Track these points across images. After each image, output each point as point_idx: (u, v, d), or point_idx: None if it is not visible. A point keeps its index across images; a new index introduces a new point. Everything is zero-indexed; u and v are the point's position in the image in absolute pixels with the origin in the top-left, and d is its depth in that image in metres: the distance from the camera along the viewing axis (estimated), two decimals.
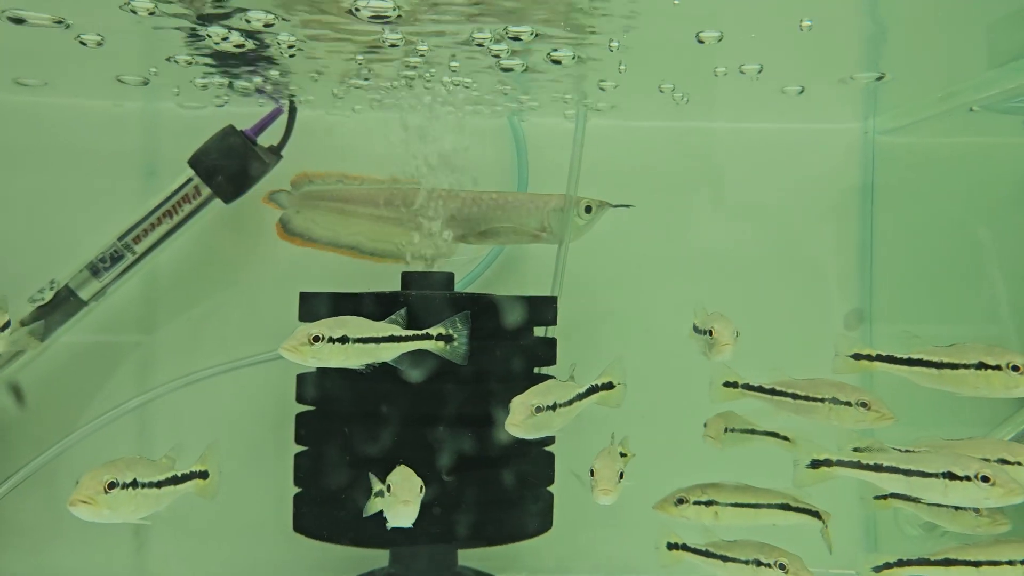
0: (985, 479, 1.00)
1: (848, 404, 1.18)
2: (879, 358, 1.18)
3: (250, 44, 1.28)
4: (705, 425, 1.33)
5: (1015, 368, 1.09)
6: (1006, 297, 1.72)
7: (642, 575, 1.67)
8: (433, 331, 1.19)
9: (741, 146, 1.79)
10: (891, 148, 1.75)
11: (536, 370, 1.49)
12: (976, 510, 1.22)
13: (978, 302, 1.76)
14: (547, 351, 1.49)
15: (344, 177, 1.63)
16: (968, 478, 1.01)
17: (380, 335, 1.16)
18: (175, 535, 1.67)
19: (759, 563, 1.11)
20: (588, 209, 1.58)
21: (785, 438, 1.30)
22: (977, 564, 1.05)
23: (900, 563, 1.11)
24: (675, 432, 1.45)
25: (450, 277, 1.50)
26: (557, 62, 1.36)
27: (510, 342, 1.41)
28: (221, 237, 1.73)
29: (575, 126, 1.66)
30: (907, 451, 1.13)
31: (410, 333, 1.18)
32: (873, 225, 1.77)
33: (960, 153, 1.74)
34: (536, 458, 1.46)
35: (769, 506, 1.23)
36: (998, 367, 1.09)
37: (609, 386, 1.21)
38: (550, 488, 1.49)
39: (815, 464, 1.13)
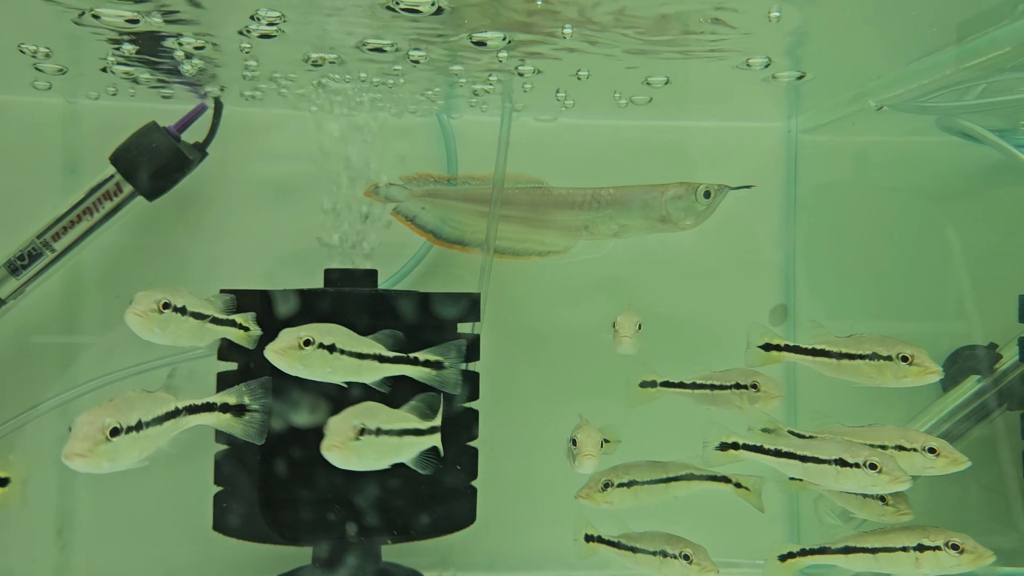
0: (873, 467, 1.04)
1: (745, 387, 1.22)
2: (786, 348, 1.22)
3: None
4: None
5: (904, 359, 1.13)
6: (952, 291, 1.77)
7: (571, 571, 1.68)
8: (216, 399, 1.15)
9: (669, 144, 1.82)
10: (813, 146, 1.78)
11: (465, 365, 1.50)
12: (882, 499, 1.25)
13: (904, 296, 1.80)
14: (471, 347, 1.49)
15: (471, 178, 1.65)
16: (858, 465, 1.05)
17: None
18: (98, 534, 1.66)
19: (665, 554, 1.13)
20: (707, 194, 1.54)
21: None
22: (874, 551, 1.09)
23: (803, 552, 1.14)
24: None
25: (373, 274, 1.50)
26: (482, 44, 1.35)
27: (431, 338, 1.41)
28: (170, 236, 1.71)
29: (501, 122, 1.67)
30: (810, 437, 1.16)
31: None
32: (796, 221, 1.81)
33: (877, 151, 1.78)
34: (460, 453, 1.47)
35: (677, 478, 1.26)
36: (889, 357, 1.13)
37: (438, 365, 1.21)
38: (473, 483, 1.50)
39: (723, 446, 1.17)
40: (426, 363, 1.23)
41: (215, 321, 1.20)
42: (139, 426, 1.02)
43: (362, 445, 1.07)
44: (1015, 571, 1.54)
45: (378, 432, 1.09)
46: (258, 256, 1.72)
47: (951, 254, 1.77)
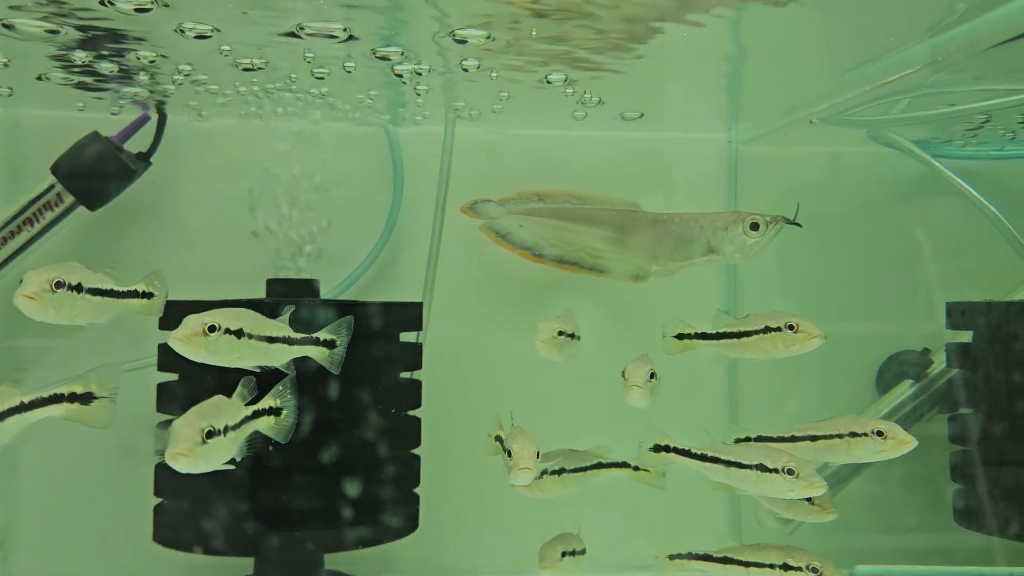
0: (790, 472, 1.08)
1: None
2: (696, 336, 1.26)
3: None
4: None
5: (791, 327, 1.18)
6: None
7: (515, 575, 1.71)
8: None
9: (614, 154, 1.84)
10: (752, 157, 1.83)
11: (409, 374, 1.52)
12: (809, 499, 1.29)
13: (843, 303, 1.85)
14: (413, 356, 1.51)
15: (571, 196, 1.65)
16: (777, 471, 1.09)
17: None
18: (40, 544, 1.65)
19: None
20: (754, 226, 1.43)
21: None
22: (747, 564, 1.15)
23: (690, 555, 1.19)
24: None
25: (314, 284, 1.51)
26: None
27: (372, 347, 1.42)
28: (115, 246, 1.70)
29: (444, 133, 1.69)
30: (790, 438, 1.20)
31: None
32: None
33: (814, 161, 1.83)
34: (401, 460, 1.48)
35: (590, 467, 1.30)
36: (779, 328, 1.18)
37: (332, 344, 1.21)
38: (416, 490, 1.52)
39: (657, 448, 1.20)
40: (325, 343, 1.22)
41: (115, 294, 1.14)
42: None
43: (210, 448, 1.02)
44: (928, 570, 1.59)
45: (225, 430, 1.05)
46: (205, 265, 1.72)
47: (889, 260, 1.83)
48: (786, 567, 1.14)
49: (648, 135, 1.84)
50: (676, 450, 1.18)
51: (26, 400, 1.06)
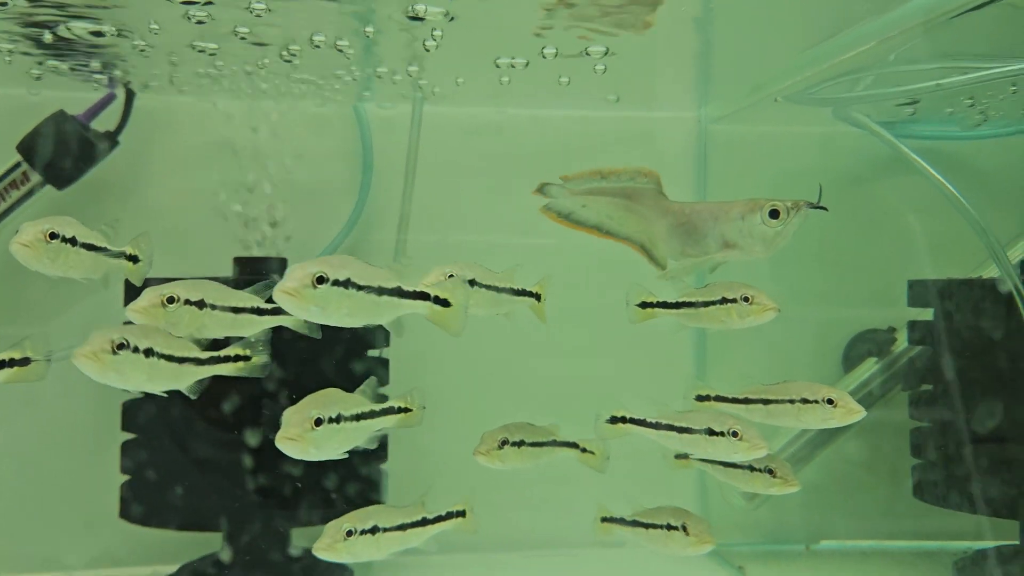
0: (735, 435, 1.12)
1: None
2: (658, 304, 1.27)
3: None
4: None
5: (745, 299, 1.19)
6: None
7: (486, 552, 1.72)
8: None
9: (589, 133, 1.85)
10: (720, 135, 1.84)
11: (377, 352, 1.53)
12: (771, 472, 1.31)
13: (810, 281, 1.86)
14: (379, 334, 1.52)
15: (638, 174, 1.57)
16: (723, 434, 1.12)
17: None
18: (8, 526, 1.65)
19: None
20: (774, 214, 1.29)
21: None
22: (647, 526, 1.23)
23: (614, 519, 1.26)
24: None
25: (282, 262, 1.52)
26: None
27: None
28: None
29: (412, 112, 1.69)
30: (704, 398, 1.23)
31: None
32: None
33: (783, 141, 1.84)
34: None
35: (545, 443, 1.31)
36: (735, 300, 1.19)
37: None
38: (383, 466, 1.53)
39: (613, 420, 1.22)
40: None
41: (107, 252, 1.13)
42: None
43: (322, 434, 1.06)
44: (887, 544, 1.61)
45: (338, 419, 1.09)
46: (174, 244, 1.71)
47: (861, 238, 1.84)
48: (670, 527, 1.22)
49: (619, 115, 1.84)
50: (632, 420, 1.21)
51: None
